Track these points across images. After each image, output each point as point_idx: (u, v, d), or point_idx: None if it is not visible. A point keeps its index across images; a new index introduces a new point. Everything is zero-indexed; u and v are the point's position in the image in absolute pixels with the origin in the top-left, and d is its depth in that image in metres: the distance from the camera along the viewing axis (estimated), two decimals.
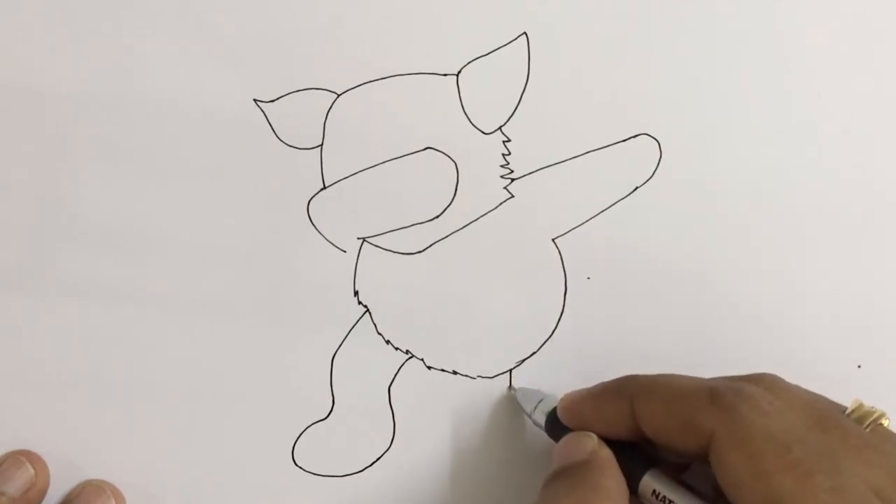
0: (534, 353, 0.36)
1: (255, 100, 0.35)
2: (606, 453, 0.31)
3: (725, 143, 0.36)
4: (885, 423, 0.29)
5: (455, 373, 0.36)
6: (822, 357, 0.36)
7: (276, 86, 0.35)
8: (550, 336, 0.36)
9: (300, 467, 0.35)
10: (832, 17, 0.36)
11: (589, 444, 0.31)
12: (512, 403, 0.35)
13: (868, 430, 0.29)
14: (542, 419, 0.33)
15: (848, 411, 0.29)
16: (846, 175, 0.36)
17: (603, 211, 0.36)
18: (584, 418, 0.32)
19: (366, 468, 0.35)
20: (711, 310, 0.36)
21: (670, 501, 0.29)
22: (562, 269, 0.36)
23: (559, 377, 0.36)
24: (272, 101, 0.35)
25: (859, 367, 0.36)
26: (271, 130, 0.35)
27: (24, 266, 0.35)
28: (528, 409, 0.34)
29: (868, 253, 0.36)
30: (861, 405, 0.29)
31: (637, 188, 0.36)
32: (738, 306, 0.36)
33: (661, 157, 0.36)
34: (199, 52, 0.35)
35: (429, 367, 0.36)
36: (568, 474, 0.30)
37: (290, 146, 0.35)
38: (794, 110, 0.36)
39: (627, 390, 0.31)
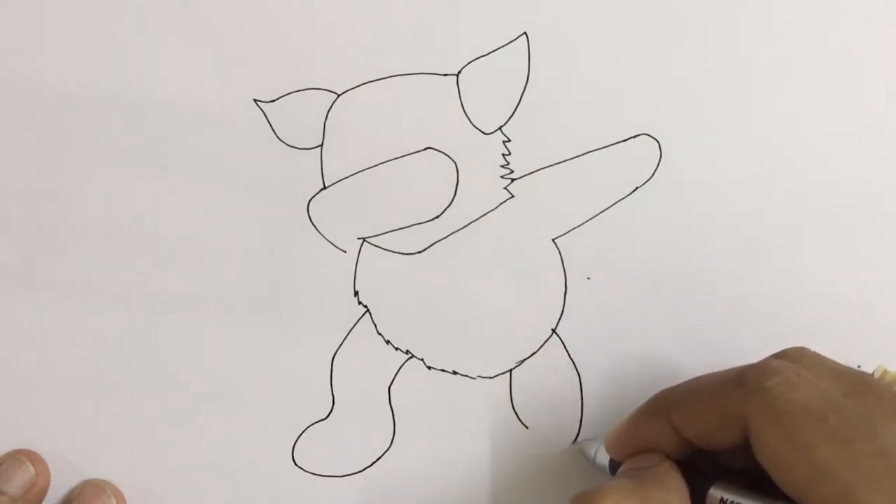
0: (534, 353, 0.36)
1: (255, 100, 0.35)
2: (670, 464, 0.30)
3: (725, 143, 0.36)
4: None
5: (455, 373, 0.36)
6: None
7: (276, 86, 0.35)
8: (550, 336, 0.36)
9: (300, 467, 0.35)
10: (832, 17, 0.36)
11: (654, 458, 0.30)
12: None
13: None
14: (605, 461, 0.33)
15: (875, 376, 0.29)
16: (846, 175, 0.36)
17: (603, 211, 0.36)
18: (628, 446, 0.31)
19: (366, 468, 0.35)
20: (711, 310, 0.36)
21: None
22: (562, 269, 0.36)
23: (559, 377, 0.36)
24: (272, 101, 0.35)
25: (859, 366, 0.36)
26: (271, 130, 0.35)
27: (24, 266, 0.35)
28: (590, 456, 0.34)
29: (868, 253, 0.36)
30: (885, 371, 0.29)
31: (637, 188, 0.36)
32: (738, 306, 0.36)
33: (661, 157, 0.36)
34: (199, 52, 0.35)
35: (429, 367, 0.36)
36: (631, 474, 0.30)
37: (290, 146, 0.36)
38: (795, 110, 0.36)
39: (662, 408, 0.30)
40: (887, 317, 0.36)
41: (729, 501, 0.29)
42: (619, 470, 0.31)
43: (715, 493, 0.29)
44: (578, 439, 0.35)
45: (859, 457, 0.25)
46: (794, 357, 0.29)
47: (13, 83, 0.35)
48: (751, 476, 0.29)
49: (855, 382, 0.28)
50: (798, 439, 0.26)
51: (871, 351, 0.36)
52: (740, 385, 0.28)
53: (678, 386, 0.31)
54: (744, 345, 0.36)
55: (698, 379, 0.30)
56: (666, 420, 0.30)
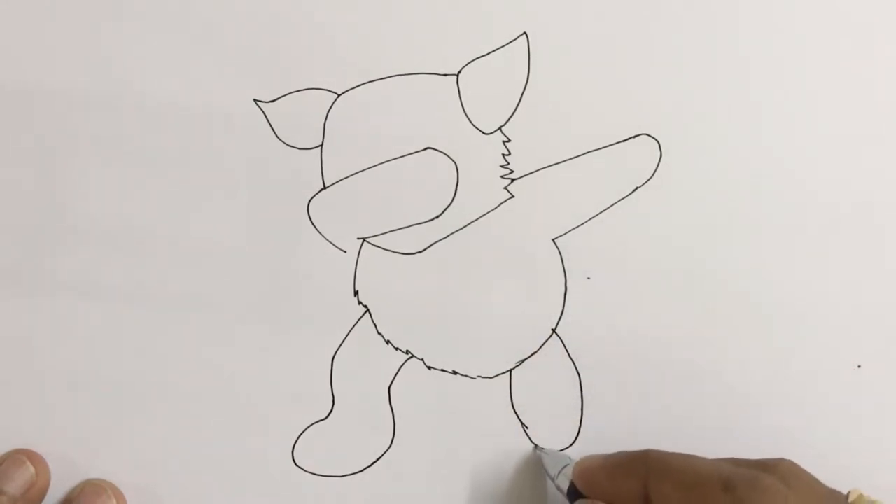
0: (534, 353, 0.36)
1: (255, 100, 0.35)
2: None
3: (725, 143, 0.36)
4: None
5: (455, 373, 0.36)
6: (822, 357, 0.36)
7: (276, 86, 0.35)
8: (550, 336, 0.36)
9: (300, 467, 0.35)
10: (832, 18, 0.36)
11: None
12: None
13: None
14: (565, 484, 0.33)
15: (850, 501, 0.30)
16: (846, 175, 0.36)
17: (603, 211, 0.36)
18: (598, 487, 0.32)
19: (366, 468, 0.35)
20: (711, 310, 0.36)
21: None
22: (562, 269, 0.36)
23: (559, 377, 0.36)
24: (272, 101, 0.35)
25: (859, 367, 0.36)
26: (271, 130, 0.35)
27: (25, 266, 0.35)
28: (553, 472, 0.34)
29: (868, 253, 0.36)
30: (861, 496, 0.29)
31: (637, 188, 0.36)
32: (737, 306, 0.36)
33: (661, 157, 0.36)
34: (199, 52, 0.35)
35: (429, 367, 0.36)
36: None
37: (290, 146, 0.36)
38: (794, 110, 0.36)
39: (643, 468, 0.31)
40: (885, 317, 0.36)
41: None
42: None
43: None
44: (540, 448, 0.35)
45: None
46: (784, 474, 0.29)
47: (13, 83, 0.35)
48: None
49: None
50: None
51: (870, 350, 0.36)
52: (728, 491, 0.29)
53: (664, 456, 0.31)
54: (743, 344, 0.36)
55: (684, 459, 0.31)
56: (642, 482, 0.31)
